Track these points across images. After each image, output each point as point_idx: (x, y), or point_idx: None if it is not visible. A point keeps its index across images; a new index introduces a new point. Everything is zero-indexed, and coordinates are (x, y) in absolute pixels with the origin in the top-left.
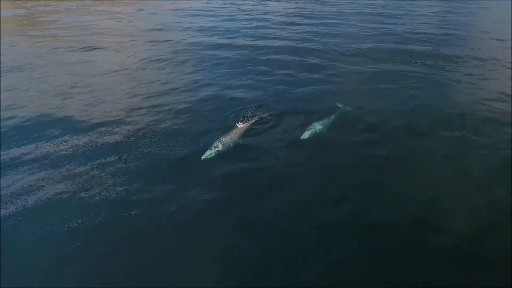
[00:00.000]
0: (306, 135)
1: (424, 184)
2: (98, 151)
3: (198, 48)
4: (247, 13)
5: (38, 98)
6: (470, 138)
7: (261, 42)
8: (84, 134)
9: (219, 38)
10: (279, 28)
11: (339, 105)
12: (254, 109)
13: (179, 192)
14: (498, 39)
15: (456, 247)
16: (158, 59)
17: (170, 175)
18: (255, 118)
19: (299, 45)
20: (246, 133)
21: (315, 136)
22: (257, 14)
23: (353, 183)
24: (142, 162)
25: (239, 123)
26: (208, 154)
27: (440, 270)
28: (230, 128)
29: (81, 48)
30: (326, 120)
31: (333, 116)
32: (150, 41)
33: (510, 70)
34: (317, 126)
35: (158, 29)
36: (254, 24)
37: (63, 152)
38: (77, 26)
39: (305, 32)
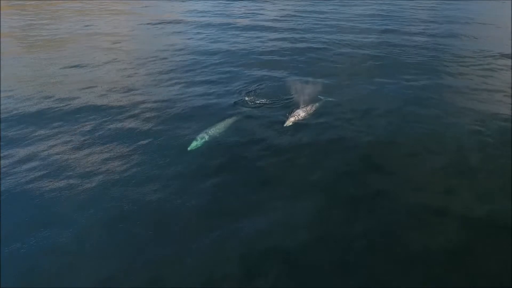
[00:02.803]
0: (289, 122)
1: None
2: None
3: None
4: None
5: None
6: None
7: (261, 24)
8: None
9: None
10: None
11: (321, 97)
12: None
13: None
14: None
15: None
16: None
17: None
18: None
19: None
20: (232, 123)
21: (298, 123)
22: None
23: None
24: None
25: (246, 97)
26: (194, 145)
27: None
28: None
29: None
30: (309, 108)
31: (317, 104)
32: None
33: None
34: (301, 113)
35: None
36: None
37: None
38: None
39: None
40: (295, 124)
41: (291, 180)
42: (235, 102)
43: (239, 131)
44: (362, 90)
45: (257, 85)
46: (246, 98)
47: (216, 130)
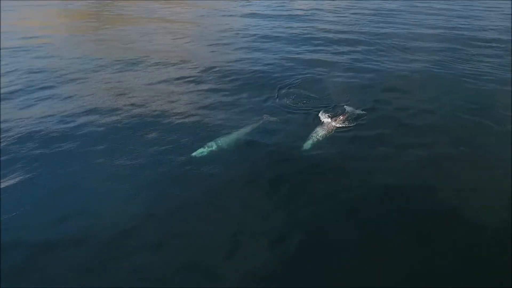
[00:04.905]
0: (308, 144)
1: None
2: None
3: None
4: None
5: None
6: None
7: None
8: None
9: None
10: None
11: (347, 108)
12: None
13: None
14: None
15: None
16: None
17: None
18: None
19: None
20: (246, 134)
21: (317, 145)
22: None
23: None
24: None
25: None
26: (199, 152)
27: None
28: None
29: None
30: (332, 125)
31: (341, 117)
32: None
33: None
34: (320, 132)
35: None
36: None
37: None
38: None
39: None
40: (314, 145)
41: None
42: (265, 99)
43: (248, 147)
44: (405, 96)
45: (295, 80)
46: (276, 97)
47: (226, 140)
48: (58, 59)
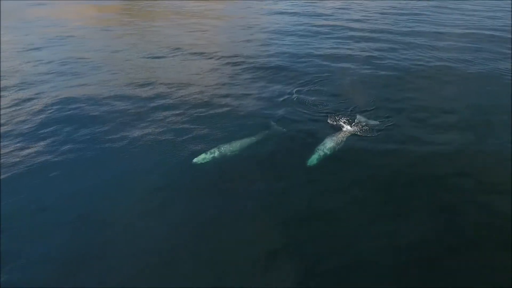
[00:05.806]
0: (313, 160)
1: None
2: None
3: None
4: None
5: None
6: None
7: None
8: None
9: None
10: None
11: (360, 119)
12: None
13: None
14: None
15: None
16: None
17: None
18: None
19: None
20: (250, 143)
21: (324, 160)
22: None
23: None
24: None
25: (292, 96)
26: (201, 158)
27: None
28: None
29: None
30: (341, 137)
31: (352, 129)
32: None
33: None
34: (328, 144)
35: None
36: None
37: None
38: None
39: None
40: (320, 160)
41: None
42: (278, 96)
43: (249, 157)
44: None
45: (314, 77)
46: (292, 96)
47: (229, 147)
48: (92, 49)
